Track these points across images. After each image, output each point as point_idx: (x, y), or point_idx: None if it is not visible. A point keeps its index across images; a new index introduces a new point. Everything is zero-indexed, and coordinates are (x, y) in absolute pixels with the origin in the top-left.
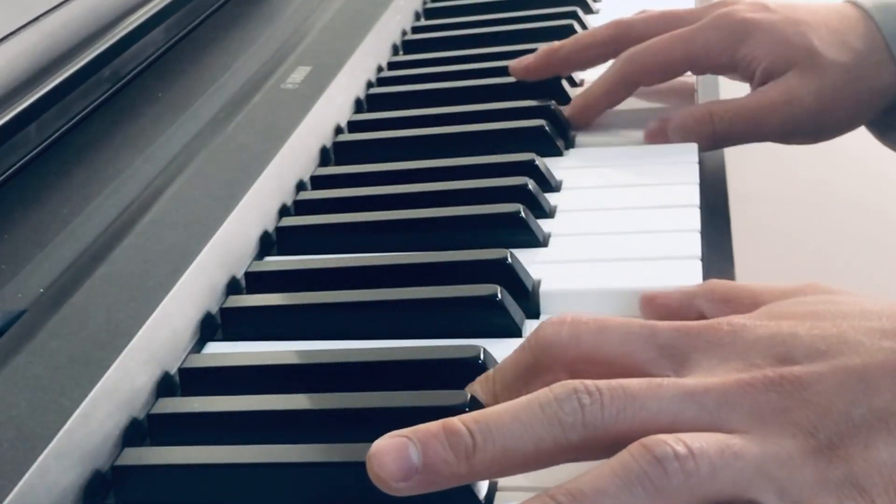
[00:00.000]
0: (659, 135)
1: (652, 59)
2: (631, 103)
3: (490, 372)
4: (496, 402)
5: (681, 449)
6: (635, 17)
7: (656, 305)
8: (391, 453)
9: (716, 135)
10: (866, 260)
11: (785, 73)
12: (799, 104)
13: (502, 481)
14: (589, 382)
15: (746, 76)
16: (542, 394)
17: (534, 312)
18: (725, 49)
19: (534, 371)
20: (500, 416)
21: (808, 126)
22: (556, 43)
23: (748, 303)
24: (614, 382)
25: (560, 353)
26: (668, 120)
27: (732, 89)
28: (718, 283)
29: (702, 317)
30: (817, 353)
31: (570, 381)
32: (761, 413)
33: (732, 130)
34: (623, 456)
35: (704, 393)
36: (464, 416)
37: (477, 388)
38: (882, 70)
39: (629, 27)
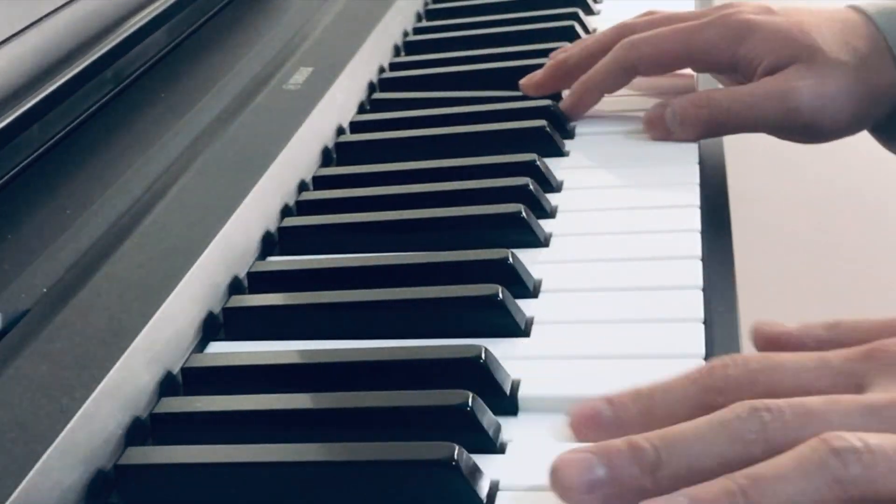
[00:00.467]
0: (657, 120)
1: (652, 48)
2: (633, 104)
3: (646, 389)
4: (650, 419)
5: (858, 443)
6: (639, 20)
7: (777, 342)
8: (574, 465)
9: (712, 120)
10: (867, 260)
11: (786, 69)
12: (797, 95)
13: (504, 482)
14: (769, 401)
15: (748, 74)
16: (723, 413)
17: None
18: (727, 47)
19: (701, 407)
20: (682, 434)
21: (806, 119)
22: (562, 54)
23: (869, 330)
24: (794, 400)
25: (734, 395)
26: (665, 105)
27: None
28: (839, 319)
29: (822, 347)
30: None
31: (750, 401)
32: None
33: (730, 117)
34: (802, 448)
35: (886, 406)
36: (646, 434)
37: (627, 400)
38: (883, 73)
39: (631, 30)
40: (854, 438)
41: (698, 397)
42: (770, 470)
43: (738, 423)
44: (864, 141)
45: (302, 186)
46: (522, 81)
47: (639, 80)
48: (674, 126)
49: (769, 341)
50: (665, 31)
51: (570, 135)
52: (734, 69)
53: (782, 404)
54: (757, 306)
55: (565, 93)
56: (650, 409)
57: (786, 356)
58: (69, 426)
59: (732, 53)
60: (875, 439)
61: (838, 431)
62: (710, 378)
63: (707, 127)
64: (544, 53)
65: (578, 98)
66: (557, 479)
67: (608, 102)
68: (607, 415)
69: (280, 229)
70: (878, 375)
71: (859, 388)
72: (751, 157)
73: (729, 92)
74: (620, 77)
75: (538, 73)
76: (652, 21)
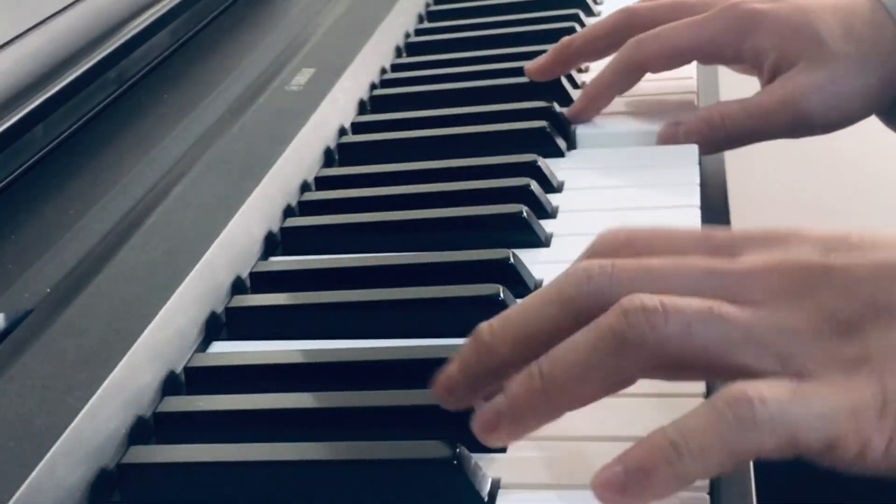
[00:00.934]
0: (671, 139)
1: (659, 45)
2: (632, 107)
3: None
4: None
5: (651, 303)
6: (642, 5)
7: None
8: (442, 379)
9: (729, 137)
10: None
11: (793, 66)
12: (807, 101)
13: (505, 479)
14: (606, 261)
15: (755, 68)
16: (561, 276)
17: None
18: (733, 40)
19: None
20: (514, 307)
21: (818, 120)
22: (567, 38)
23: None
24: (633, 260)
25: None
26: (679, 124)
27: (732, 93)
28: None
29: None
30: (858, 246)
31: (587, 262)
32: (781, 291)
33: (744, 132)
34: (600, 317)
35: (727, 272)
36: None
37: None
38: (892, 57)
39: (636, 14)
40: (649, 300)
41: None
42: (565, 343)
43: (563, 282)
44: (864, 143)
45: (304, 187)
46: (527, 66)
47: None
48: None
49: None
50: (671, 27)
51: (570, 136)
52: (740, 61)
53: (617, 262)
54: None
55: (575, 95)
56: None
57: (680, 229)
58: (73, 425)
59: (738, 46)
60: (675, 302)
61: (643, 294)
62: (594, 245)
63: (723, 144)
64: None
65: (589, 100)
66: (435, 389)
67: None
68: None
69: (282, 229)
70: (750, 249)
71: (730, 257)
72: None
73: (740, 107)
74: (629, 77)
75: (542, 57)
76: (655, 6)
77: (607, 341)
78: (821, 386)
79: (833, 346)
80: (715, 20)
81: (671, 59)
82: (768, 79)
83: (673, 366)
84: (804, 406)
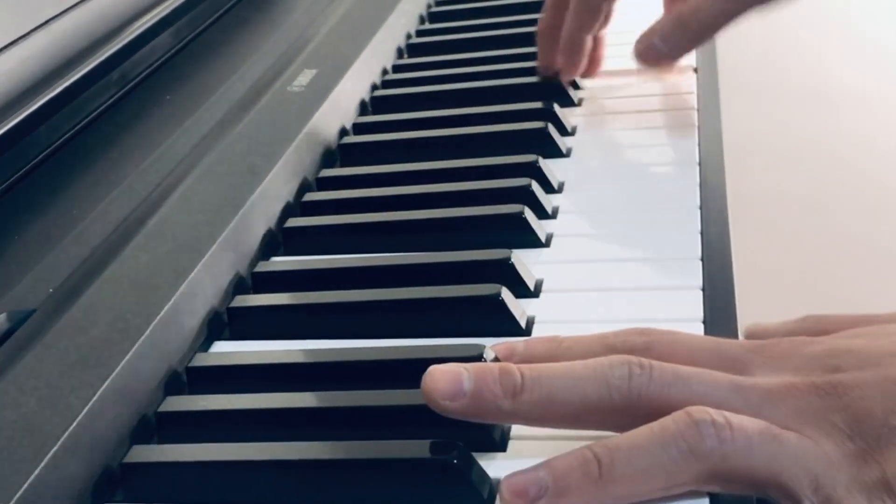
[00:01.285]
0: (649, 48)
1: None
2: (632, 110)
3: (562, 338)
4: (551, 361)
5: (720, 419)
6: None
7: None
8: (445, 374)
9: (701, 24)
10: (865, 261)
11: None
12: None
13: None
14: (644, 359)
15: None
16: (599, 359)
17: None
18: None
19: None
20: (553, 369)
21: None
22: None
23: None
24: (668, 364)
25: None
26: (653, 31)
27: (732, 105)
28: (815, 316)
29: None
30: (865, 363)
31: (625, 355)
32: (803, 413)
33: (717, 19)
34: (664, 419)
35: (751, 388)
36: (523, 364)
37: (541, 342)
38: None
39: None
40: (717, 414)
41: (600, 353)
42: (627, 439)
43: (607, 368)
44: (865, 144)
45: (306, 187)
46: (538, 68)
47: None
48: (664, 47)
49: (751, 337)
50: None
51: (571, 135)
52: None
53: (654, 363)
54: (755, 306)
55: (576, 96)
56: (554, 353)
57: (693, 337)
58: (75, 424)
59: None
60: (737, 418)
61: (703, 406)
62: (614, 338)
63: (698, 34)
64: None
65: (567, 53)
66: (426, 382)
67: (608, 105)
68: (520, 351)
69: (284, 230)
70: (760, 366)
71: (741, 373)
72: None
73: None
74: (590, 10)
75: (538, 54)
76: None
77: (674, 446)
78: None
79: (855, 470)
80: None
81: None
82: None
83: (724, 479)
84: None
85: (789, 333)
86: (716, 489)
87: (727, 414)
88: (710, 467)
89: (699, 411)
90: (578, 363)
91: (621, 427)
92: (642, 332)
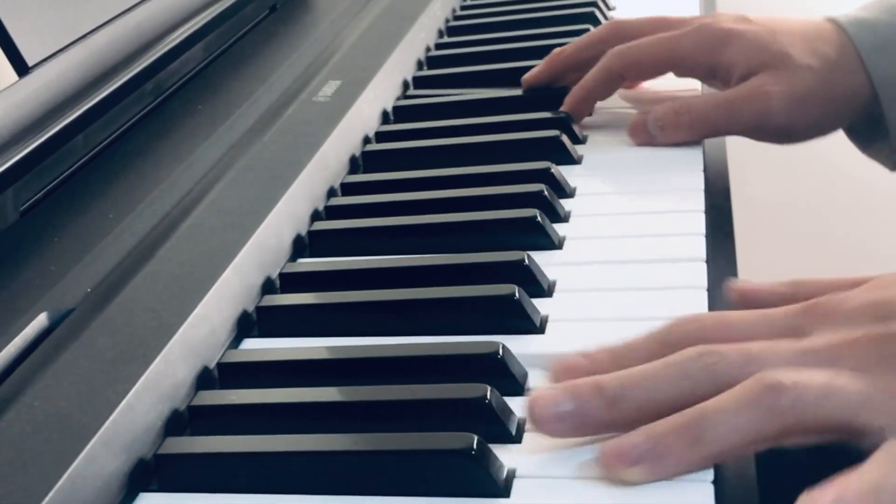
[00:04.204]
0: (640, 128)
1: (637, 55)
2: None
3: (617, 346)
4: (619, 369)
5: (786, 380)
6: (629, 19)
7: (747, 297)
8: (548, 400)
9: (692, 125)
10: (867, 262)
11: (759, 74)
12: (769, 98)
13: (520, 470)
14: (714, 346)
15: (725, 80)
16: (674, 355)
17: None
18: (706, 54)
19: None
20: (640, 372)
21: (780, 121)
22: (558, 48)
23: (826, 286)
24: (735, 345)
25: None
26: (648, 113)
27: None
28: (802, 279)
29: (785, 303)
30: None
31: (697, 346)
32: (867, 362)
33: (707, 121)
34: (740, 386)
35: (816, 350)
36: (609, 374)
37: (602, 355)
38: (853, 78)
39: (622, 28)
40: (784, 375)
41: (659, 351)
42: (713, 404)
43: (686, 363)
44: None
45: (331, 192)
46: (524, 77)
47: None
48: (656, 131)
49: (741, 295)
50: (648, 41)
51: (582, 143)
52: (713, 76)
53: (725, 348)
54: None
55: None
56: (619, 362)
57: (735, 314)
58: (112, 417)
59: (711, 61)
60: (803, 375)
61: (773, 370)
62: (668, 334)
63: (687, 132)
64: None
65: (571, 104)
66: (532, 410)
67: (618, 114)
68: (584, 366)
69: (310, 233)
70: (813, 326)
71: (798, 337)
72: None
73: (707, 98)
74: (608, 85)
75: (537, 67)
76: (642, 21)
77: (753, 409)
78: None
79: None
80: (690, 36)
81: (648, 70)
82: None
83: (802, 432)
84: None
85: (782, 296)
86: (798, 442)
87: (791, 373)
88: (788, 422)
89: (766, 377)
90: (658, 363)
91: None
92: (690, 319)
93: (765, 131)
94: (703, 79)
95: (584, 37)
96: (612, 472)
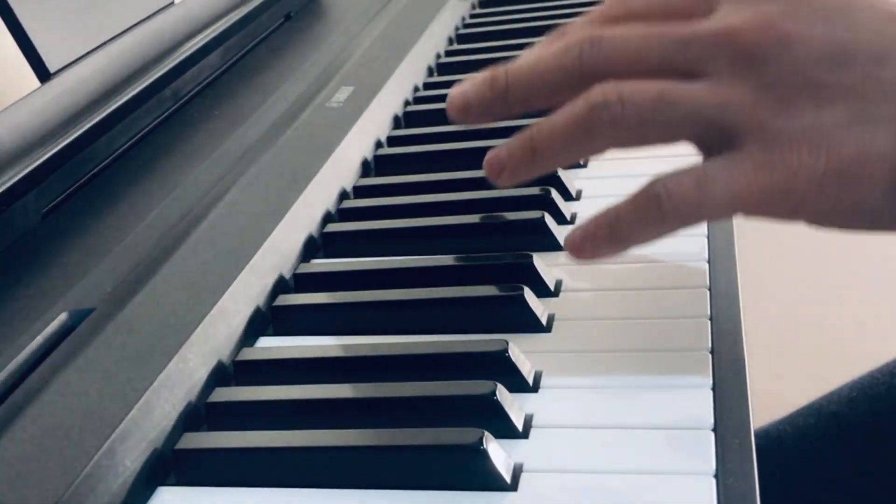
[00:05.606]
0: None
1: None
2: None
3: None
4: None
5: (612, 96)
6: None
7: None
8: (457, 92)
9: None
10: (868, 261)
11: None
12: None
13: (528, 463)
14: (599, 34)
15: None
16: (561, 41)
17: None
18: None
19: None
20: (527, 64)
21: None
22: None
23: None
24: (616, 31)
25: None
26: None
27: None
28: None
29: None
30: (820, 18)
31: (585, 34)
32: (734, 59)
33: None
34: (573, 102)
35: (694, 40)
36: (505, 67)
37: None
38: None
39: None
40: (610, 93)
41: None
42: (548, 120)
43: (565, 48)
44: None
45: (343, 195)
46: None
47: None
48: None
49: None
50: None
51: None
52: None
53: (607, 35)
54: (758, 303)
55: None
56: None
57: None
58: (131, 413)
59: None
60: (632, 92)
61: (604, 86)
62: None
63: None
64: None
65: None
66: (448, 104)
67: None
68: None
69: (323, 234)
70: (724, 3)
71: (710, 7)
72: None
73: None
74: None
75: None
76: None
77: (578, 126)
78: (740, 160)
79: (764, 119)
80: None
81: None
82: None
83: (635, 142)
84: (709, 191)
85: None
86: (634, 147)
87: (623, 89)
88: (609, 138)
89: (594, 94)
90: (545, 53)
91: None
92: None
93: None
94: None
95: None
96: (491, 176)
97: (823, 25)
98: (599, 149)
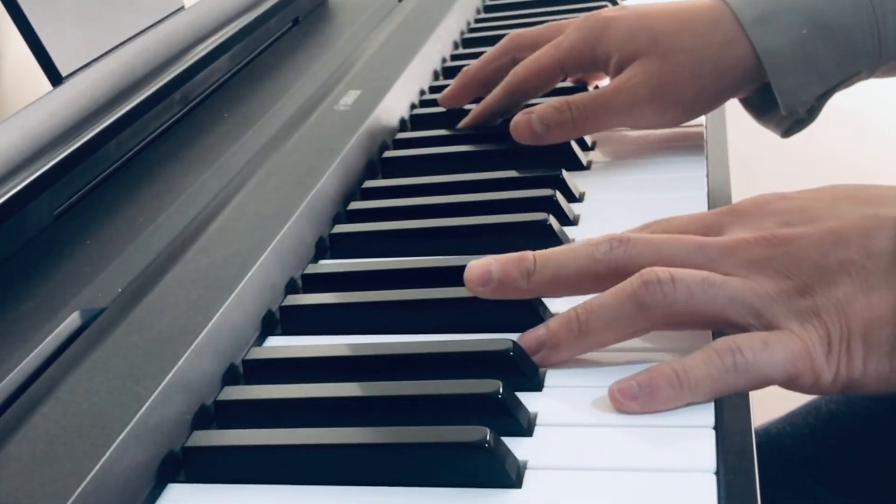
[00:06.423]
0: (524, 125)
1: (529, 71)
2: (644, 136)
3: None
4: None
5: (664, 275)
6: (526, 30)
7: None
8: (480, 266)
9: (574, 121)
10: None
11: (632, 63)
12: (639, 84)
13: (533, 461)
14: (625, 235)
15: (608, 73)
16: (589, 241)
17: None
18: (586, 48)
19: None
20: (555, 252)
21: (652, 107)
22: (466, 67)
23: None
24: (643, 235)
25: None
26: (531, 111)
27: (738, 122)
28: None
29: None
30: (810, 218)
31: (610, 234)
32: (751, 261)
33: (587, 116)
34: (624, 282)
35: (711, 245)
36: (535, 252)
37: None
38: (736, 51)
39: (521, 38)
40: (663, 273)
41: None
42: (598, 300)
43: (593, 247)
44: (865, 149)
45: (350, 196)
46: (440, 97)
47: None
48: (540, 129)
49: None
50: (536, 55)
51: (591, 149)
52: (597, 67)
53: (633, 236)
54: None
55: None
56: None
57: (675, 217)
58: (142, 411)
59: (591, 55)
60: (681, 273)
61: (654, 267)
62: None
63: (570, 128)
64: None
65: (476, 118)
66: (466, 273)
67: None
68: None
69: (331, 235)
70: (730, 225)
71: (716, 233)
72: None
73: (586, 95)
74: (508, 101)
75: (450, 87)
76: (537, 30)
77: (630, 303)
78: (783, 335)
79: (790, 302)
80: (570, 35)
81: (542, 80)
82: (614, 77)
83: (678, 322)
84: (770, 353)
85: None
86: (672, 329)
87: (673, 270)
88: (660, 315)
89: (647, 272)
90: (574, 245)
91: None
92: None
93: (640, 117)
94: (591, 72)
95: (487, 53)
96: (524, 344)
97: (815, 222)
98: (643, 328)
